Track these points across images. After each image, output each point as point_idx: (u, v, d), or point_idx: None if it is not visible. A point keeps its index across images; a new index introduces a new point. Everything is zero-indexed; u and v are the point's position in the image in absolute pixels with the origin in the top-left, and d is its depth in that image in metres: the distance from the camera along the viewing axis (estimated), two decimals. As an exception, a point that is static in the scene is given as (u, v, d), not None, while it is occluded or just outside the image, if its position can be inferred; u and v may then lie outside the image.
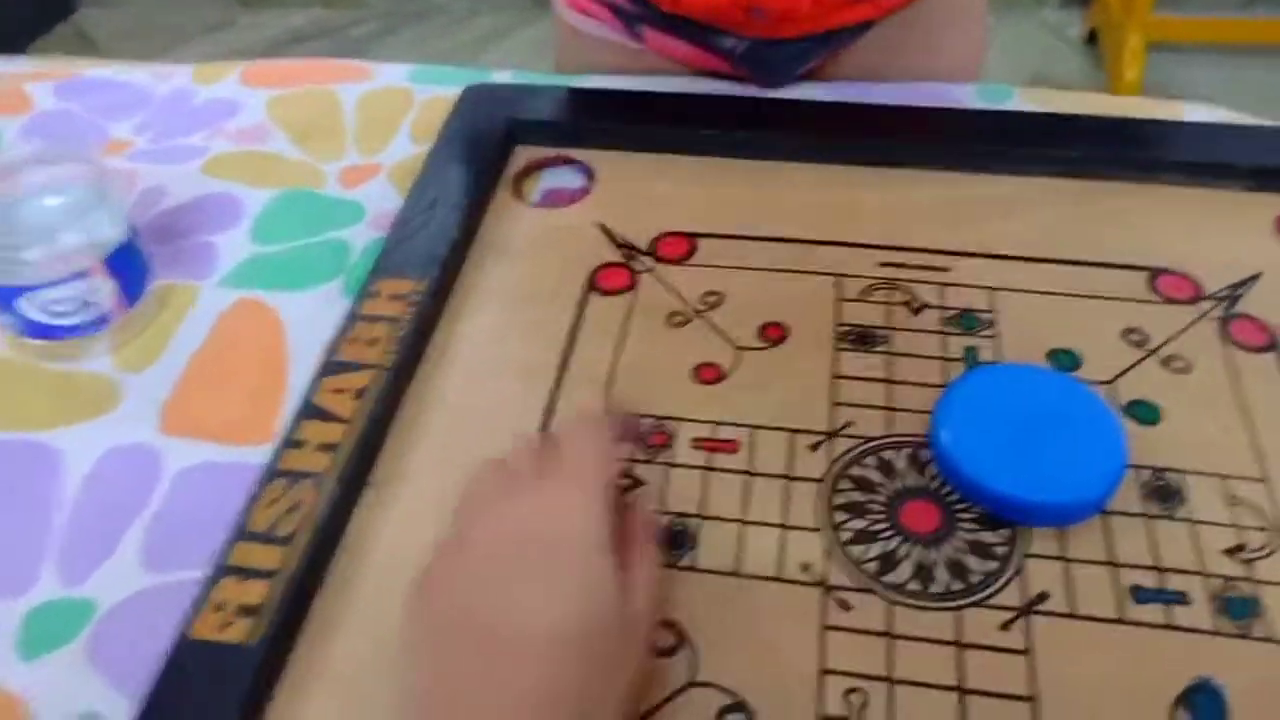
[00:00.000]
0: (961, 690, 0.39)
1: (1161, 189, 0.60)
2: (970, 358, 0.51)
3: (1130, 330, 0.52)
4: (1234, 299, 0.53)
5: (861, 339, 0.53)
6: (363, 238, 0.62)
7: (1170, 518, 0.44)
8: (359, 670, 0.42)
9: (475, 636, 0.35)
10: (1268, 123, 0.63)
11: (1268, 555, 0.43)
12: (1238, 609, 0.41)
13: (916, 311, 0.54)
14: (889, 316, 0.54)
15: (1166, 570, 0.42)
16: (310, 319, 0.57)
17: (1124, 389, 0.49)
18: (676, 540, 0.45)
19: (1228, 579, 0.42)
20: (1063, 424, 0.45)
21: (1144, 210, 0.59)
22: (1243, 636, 0.40)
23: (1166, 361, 0.50)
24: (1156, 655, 0.40)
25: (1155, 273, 0.55)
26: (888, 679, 0.40)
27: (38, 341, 0.55)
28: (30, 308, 0.53)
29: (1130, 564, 0.43)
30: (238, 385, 0.54)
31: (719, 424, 0.49)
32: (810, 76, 0.72)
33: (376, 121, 0.72)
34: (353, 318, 0.54)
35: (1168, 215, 0.58)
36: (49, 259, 0.52)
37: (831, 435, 0.49)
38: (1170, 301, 0.53)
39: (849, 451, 0.48)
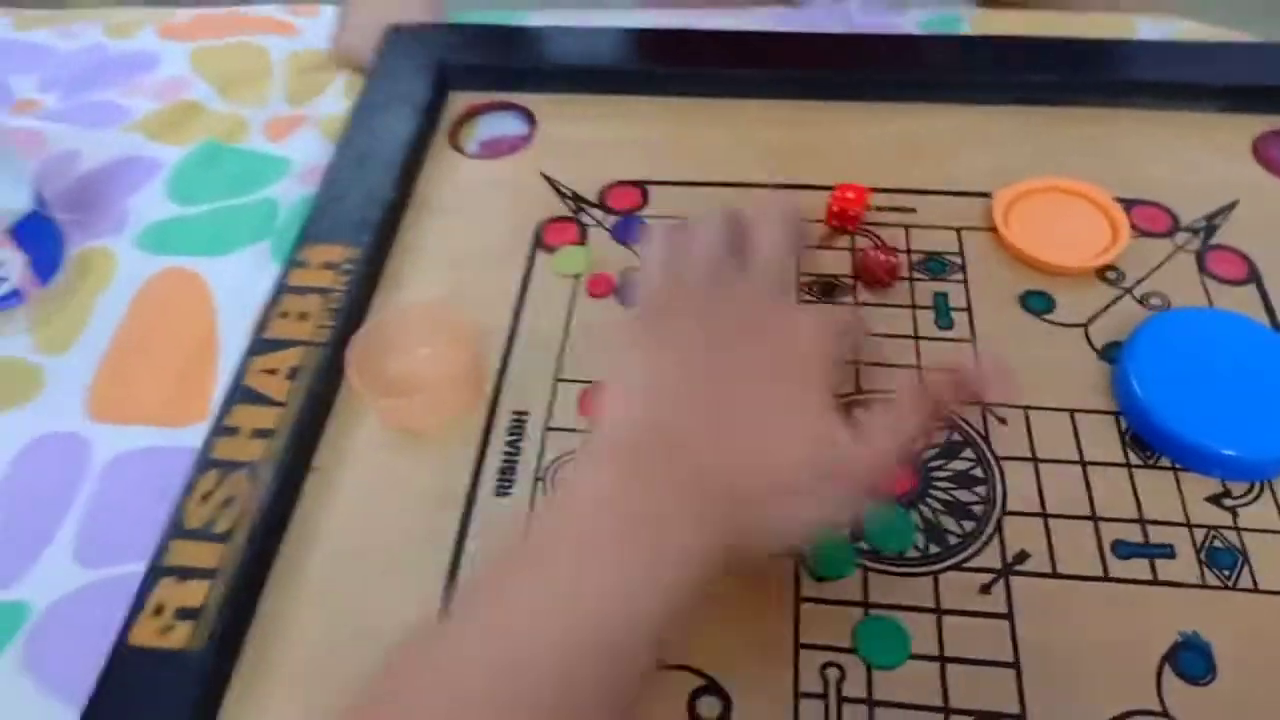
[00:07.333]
0: (943, 659, 0.38)
1: (1131, 113, 0.57)
2: (940, 304, 0.49)
3: (1105, 267, 0.50)
4: (1210, 229, 0.51)
5: (825, 289, 0.50)
6: (291, 194, 0.58)
7: (1151, 466, 0.43)
8: (311, 670, 0.39)
9: (683, 468, 0.32)
10: (1245, 38, 0.60)
11: (1252, 502, 0.41)
12: (1223, 559, 0.40)
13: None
14: (852, 264, 0.51)
15: (1149, 523, 0.41)
16: (239, 285, 0.54)
17: (1100, 330, 0.47)
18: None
19: (1211, 529, 0.41)
20: (1254, 372, 0.43)
21: (1113, 138, 0.56)
22: (1228, 588, 0.39)
23: (1143, 299, 0.48)
24: (1141, 612, 0.39)
25: (1128, 204, 0.52)
26: (866, 650, 0.38)
27: (-55, 325, 0.51)
28: (-68, 289, 0.49)
29: (1111, 516, 0.41)
30: (166, 362, 0.51)
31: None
32: None
33: (306, 71, 0.67)
34: (281, 290, 0.50)
35: (1139, 142, 0.56)
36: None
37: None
38: (1145, 234, 0.51)
39: (817, 410, 0.45)
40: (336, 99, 0.64)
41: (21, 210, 0.51)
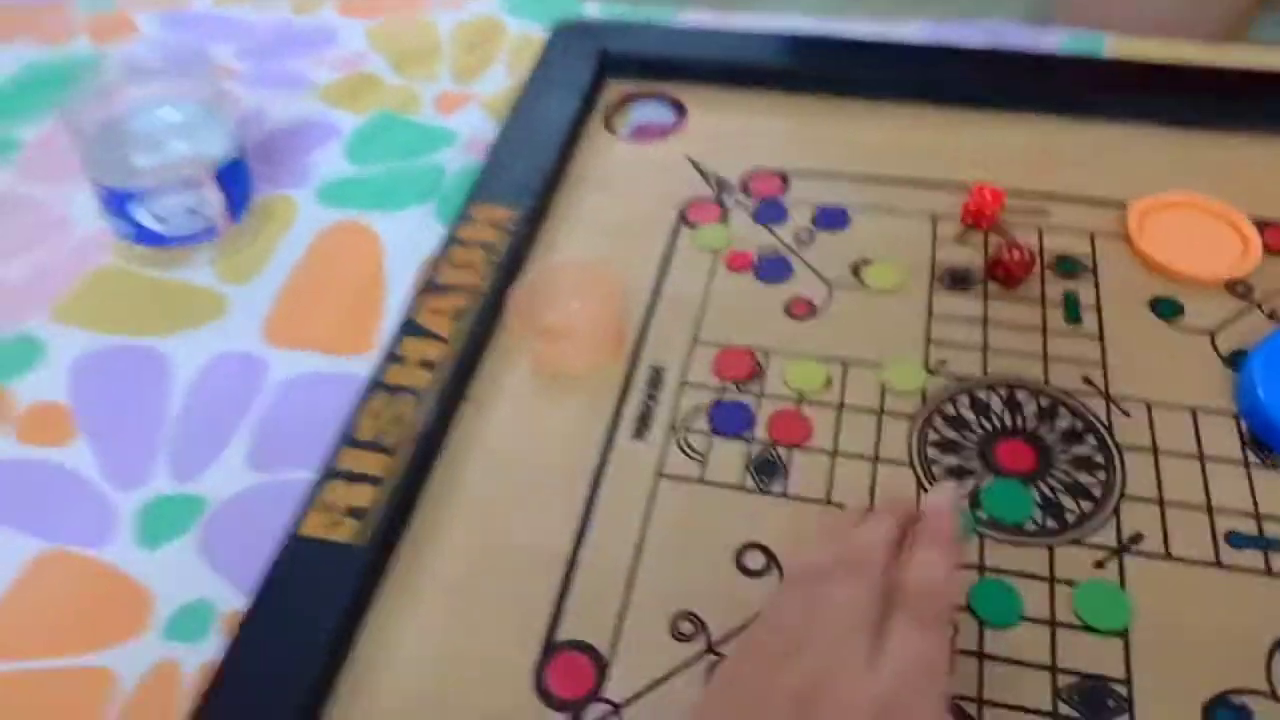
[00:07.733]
0: (1054, 624, 0.40)
1: (1267, 140, 0.58)
2: (1070, 301, 0.51)
3: (1235, 281, 0.51)
4: (1345, 253, 0.52)
5: (957, 280, 0.53)
6: (456, 163, 0.63)
7: (1270, 467, 0.44)
8: (458, 574, 0.43)
9: None
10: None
11: (1372, 508, 0.42)
12: (1339, 559, 0.41)
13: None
14: (985, 259, 0.53)
15: (1266, 518, 0.42)
16: (405, 239, 0.58)
17: (1226, 340, 0.49)
18: (768, 468, 0.46)
19: (1328, 529, 0.42)
20: None
21: (1249, 162, 0.57)
22: (1343, 586, 0.40)
23: (1272, 314, 0.50)
24: (1254, 599, 0.40)
25: (1261, 225, 0.53)
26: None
27: (146, 248, 0.57)
28: (142, 214, 0.55)
29: (1227, 509, 0.42)
30: (338, 299, 0.56)
31: (811, 358, 0.50)
32: None
33: (471, 52, 0.72)
34: (450, 241, 0.55)
35: (1271, 167, 0.57)
36: (160, 167, 0.54)
37: (926, 373, 0.49)
38: (1276, 254, 0.52)
39: (943, 390, 0.48)
40: (499, 78, 0.69)
41: (227, 157, 0.56)
